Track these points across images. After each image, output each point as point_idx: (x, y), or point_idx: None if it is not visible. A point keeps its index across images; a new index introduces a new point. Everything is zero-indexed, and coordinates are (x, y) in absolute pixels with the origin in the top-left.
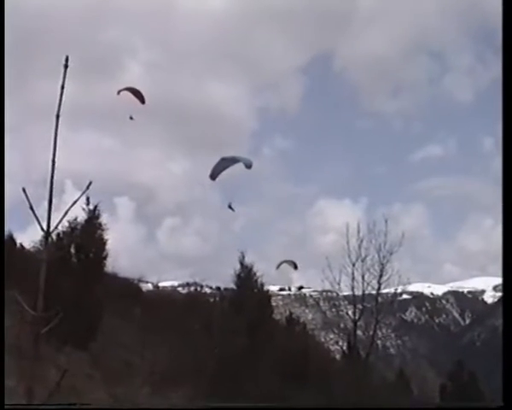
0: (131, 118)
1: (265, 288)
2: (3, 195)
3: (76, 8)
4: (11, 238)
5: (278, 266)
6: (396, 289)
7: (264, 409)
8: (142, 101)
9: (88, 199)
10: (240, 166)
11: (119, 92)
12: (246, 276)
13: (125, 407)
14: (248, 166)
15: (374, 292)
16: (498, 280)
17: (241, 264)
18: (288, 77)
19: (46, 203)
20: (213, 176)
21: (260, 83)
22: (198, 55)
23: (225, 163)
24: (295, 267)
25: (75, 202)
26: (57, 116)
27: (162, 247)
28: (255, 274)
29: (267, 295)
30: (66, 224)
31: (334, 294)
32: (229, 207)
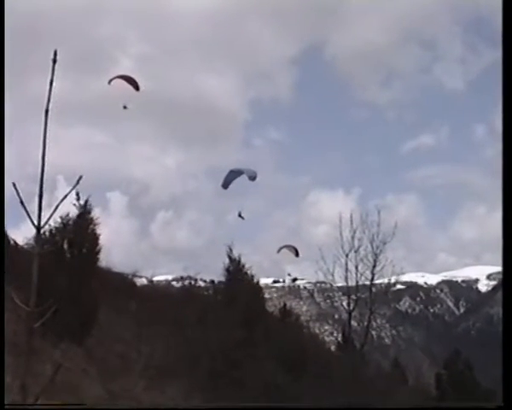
0: (125, 107)
1: (256, 280)
2: (3, 194)
3: (68, 2)
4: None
5: (279, 250)
6: (390, 280)
7: (264, 409)
8: (137, 87)
9: (78, 194)
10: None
11: (110, 81)
12: (235, 269)
13: (123, 405)
14: (252, 178)
15: (368, 283)
16: (492, 269)
17: (229, 257)
18: (279, 68)
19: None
20: (225, 185)
21: (252, 74)
22: (190, 49)
23: (234, 175)
24: (296, 254)
25: (65, 197)
26: (46, 111)
27: (156, 241)
28: (244, 266)
29: (258, 287)
30: (59, 220)
31: (328, 285)
32: (240, 215)
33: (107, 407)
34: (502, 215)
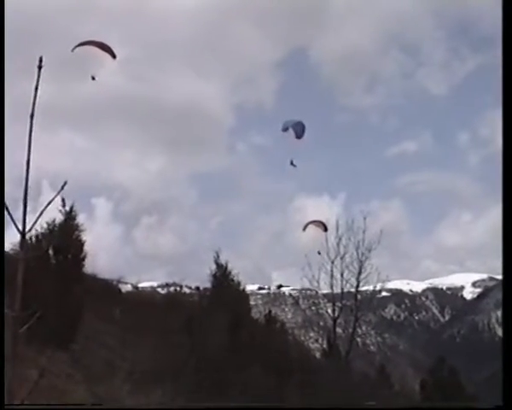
0: (93, 78)
1: (242, 286)
2: (3, 196)
3: (49, 4)
4: None
5: (305, 228)
6: (375, 287)
7: (263, 409)
8: (113, 55)
9: (63, 200)
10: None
11: (73, 49)
12: (221, 275)
13: (121, 406)
14: (298, 136)
15: (353, 290)
16: (477, 276)
17: (217, 263)
18: (264, 72)
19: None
20: (284, 129)
21: (236, 79)
22: (174, 53)
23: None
24: (325, 229)
25: (50, 203)
26: (31, 116)
27: (140, 247)
28: (230, 273)
29: (244, 294)
30: (45, 225)
31: (314, 292)
32: (291, 163)
33: (107, 407)
34: (502, 216)
